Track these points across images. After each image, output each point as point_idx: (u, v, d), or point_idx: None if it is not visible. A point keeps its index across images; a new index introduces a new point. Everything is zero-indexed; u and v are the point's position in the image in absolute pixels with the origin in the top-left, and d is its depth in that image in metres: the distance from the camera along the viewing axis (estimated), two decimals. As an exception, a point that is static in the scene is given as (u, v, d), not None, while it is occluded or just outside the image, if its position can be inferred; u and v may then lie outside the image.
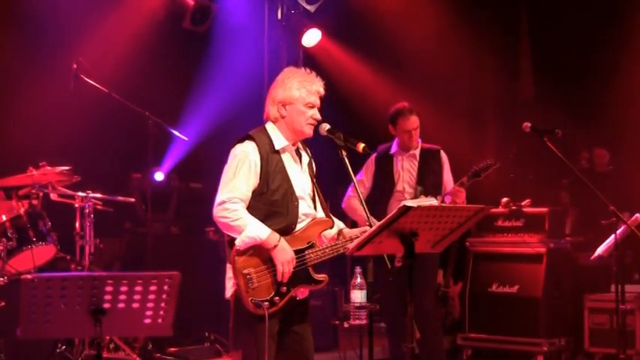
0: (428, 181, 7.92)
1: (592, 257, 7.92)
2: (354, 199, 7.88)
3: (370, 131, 9.21)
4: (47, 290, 4.19)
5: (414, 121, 7.89)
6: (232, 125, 9.64)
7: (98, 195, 8.10)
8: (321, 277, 5.39)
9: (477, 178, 7.71)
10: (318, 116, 5.45)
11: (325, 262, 5.43)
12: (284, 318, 5.36)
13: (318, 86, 5.47)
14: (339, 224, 5.60)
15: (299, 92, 5.42)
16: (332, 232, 5.53)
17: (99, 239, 8.13)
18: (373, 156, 8.04)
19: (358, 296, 5.64)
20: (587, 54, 11.60)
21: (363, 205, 5.50)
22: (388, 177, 7.98)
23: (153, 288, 4.35)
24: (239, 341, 5.37)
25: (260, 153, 5.35)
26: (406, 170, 7.98)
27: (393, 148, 8.04)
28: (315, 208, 5.56)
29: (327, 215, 5.55)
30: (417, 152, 8.01)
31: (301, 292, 5.40)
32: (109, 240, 8.96)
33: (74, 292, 4.25)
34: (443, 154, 8.10)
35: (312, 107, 5.44)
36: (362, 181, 8.03)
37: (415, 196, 7.74)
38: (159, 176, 9.82)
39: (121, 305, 4.33)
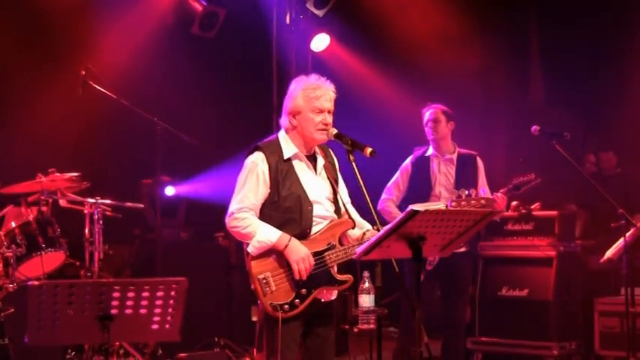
0: (465, 186, 7.91)
1: (601, 260, 7.91)
2: (390, 202, 7.99)
3: (380, 135, 9.20)
4: (54, 297, 4.21)
5: (429, 115, 8.03)
6: (241, 130, 9.66)
7: (107, 201, 8.10)
8: (345, 277, 5.43)
9: (516, 191, 7.73)
10: (328, 120, 5.46)
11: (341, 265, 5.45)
12: (308, 321, 5.42)
13: (324, 90, 5.48)
14: (364, 225, 5.61)
15: (303, 100, 5.46)
16: (357, 234, 5.55)
17: (108, 245, 8.14)
18: (409, 160, 8.17)
19: (366, 301, 5.62)
20: (598, 57, 11.56)
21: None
22: (425, 180, 8.04)
23: (160, 294, 4.36)
24: (263, 343, 5.46)
25: (268, 162, 5.40)
26: (443, 174, 8.03)
27: (430, 152, 8.10)
28: (337, 209, 5.57)
29: (348, 216, 5.56)
30: (455, 157, 8.08)
31: (325, 294, 5.44)
32: (118, 246, 8.98)
33: (82, 299, 4.26)
34: (479, 160, 8.20)
35: (321, 112, 5.45)
36: (397, 184, 8.09)
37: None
38: (170, 191, 9.82)
39: (128, 311, 4.35)
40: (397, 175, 8.16)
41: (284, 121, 5.56)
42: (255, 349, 5.45)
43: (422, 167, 8.08)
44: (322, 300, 5.43)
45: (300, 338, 5.43)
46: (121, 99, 8.48)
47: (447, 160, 8.07)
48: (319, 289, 5.37)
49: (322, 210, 5.48)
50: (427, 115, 8.07)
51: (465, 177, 7.99)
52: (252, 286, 5.31)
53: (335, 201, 5.58)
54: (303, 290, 5.31)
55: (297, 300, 5.29)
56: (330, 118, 5.48)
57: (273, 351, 5.30)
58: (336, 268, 5.42)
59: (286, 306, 5.27)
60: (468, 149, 8.22)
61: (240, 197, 5.38)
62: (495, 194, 7.75)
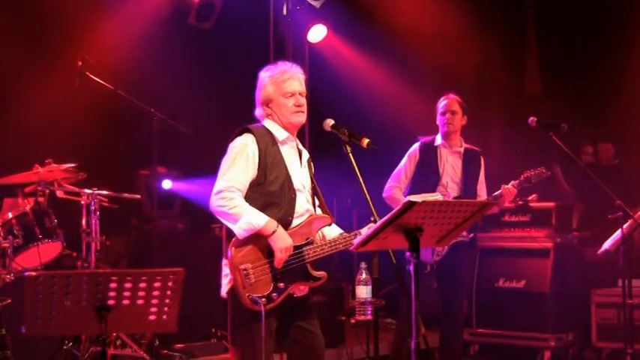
0: (470, 180, 7.93)
1: (599, 252, 7.91)
2: (397, 189, 7.94)
3: (376, 126, 9.20)
4: (51, 287, 4.20)
5: (447, 104, 7.96)
6: (237, 121, 9.64)
7: (104, 192, 8.09)
8: (320, 274, 5.41)
9: (527, 184, 7.73)
10: (301, 102, 5.48)
11: (332, 257, 5.44)
12: (283, 315, 5.37)
13: (292, 74, 5.51)
14: (336, 229, 5.62)
15: (273, 87, 5.49)
16: (332, 233, 5.55)
17: (105, 236, 8.13)
18: (417, 146, 8.09)
19: (363, 292, 5.61)
20: (594, 49, 11.58)
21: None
22: (433, 169, 7.97)
23: (157, 284, 4.35)
24: (237, 339, 5.37)
25: (258, 144, 5.38)
26: (450, 165, 7.97)
27: (438, 141, 8.05)
28: (314, 205, 5.57)
29: (325, 212, 5.56)
30: (462, 150, 8.04)
31: (299, 290, 5.41)
32: (115, 237, 8.97)
33: (78, 289, 4.25)
34: (482, 158, 8.15)
35: (292, 95, 5.46)
36: (405, 170, 8.02)
37: (459, 193, 7.81)
38: (167, 184, 9.80)
39: (125, 302, 4.34)
40: (405, 161, 8.04)
41: (259, 112, 5.57)
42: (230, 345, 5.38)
43: (430, 156, 8.00)
44: (295, 295, 5.39)
45: (275, 332, 5.35)
46: (118, 90, 8.46)
47: (455, 152, 8.02)
48: (295, 284, 5.34)
49: (304, 200, 5.47)
50: (445, 104, 7.96)
51: (470, 171, 7.97)
52: (232, 276, 5.24)
53: (313, 196, 5.58)
54: (281, 284, 5.26)
55: (274, 294, 5.23)
56: (303, 100, 5.50)
57: (250, 347, 5.22)
58: (310, 264, 5.40)
59: (263, 299, 5.18)
60: (472, 145, 8.18)
61: (228, 176, 5.30)
62: (505, 187, 7.73)
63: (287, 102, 5.45)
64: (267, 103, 5.51)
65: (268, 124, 5.52)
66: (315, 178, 5.65)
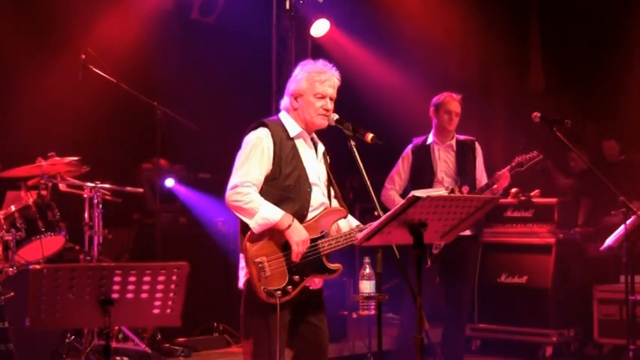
0: (466, 172, 7.93)
1: (601, 248, 7.91)
2: (392, 191, 7.96)
3: (379, 122, 9.18)
4: (56, 281, 4.18)
5: (454, 105, 7.95)
6: (240, 115, 9.64)
7: (107, 185, 8.09)
8: (335, 266, 5.42)
9: (519, 169, 7.71)
10: (329, 107, 5.45)
11: (336, 252, 5.44)
12: (297, 308, 5.37)
13: (329, 76, 5.47)
14: (353, 221, 5.61)
15: (307, 83, 5.44)
16: (345, 227, 5.55)
17: (107, 230, 8.14)
18: (409, 148, 8.13)
19: (367, 287, 5.61)
20: (597, 45, 11.57)
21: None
22: (427, 167, 8.00)
23: (161, 278, 4.34)
24: (250, 331, 5.37)
25: (273, 139, 5.36)
26: (443, 160, 8.00)
27: (430, 139, 8.06)
28: (329, 197, 5.57)
29: (341, 205, 5.56)
30: (454, 143, 8.05)
31: (314, 282, 5.41)
32: (117, 230, 8.97)
33: (83, 283, 4.24)
34: (477, 146, 8.15)
35: (322, 98, 5.43)
36: (398, 172, 8.06)
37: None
38: (169, 182, 9.79)
39: (129, 295, 4.32)
40: (398, 163, 8.11)
41: (285, 101, 5.55)
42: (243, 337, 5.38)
43: (423, 155, 8.02)
44: (310, 288, 5.40)
45: (288, 326, 5.37)
46: (120, 83, 8.46)
47: (447, 146, 8.04)
48: (311, 277, 5.35)
49: (319, 194, 5.46)
50: (451, 104, 7.94)
51: (464, 163, 7.98)
52: (247, 269, 5.25)
53: (328, 188, 5.58)
54: (296, 277, 5.27)
55: (289, 286, 5.24)
56: (330, 105, 5.46)
57: (262, 338, 5.26)
58: (325, 257, 5.41)
59: (279, 292, 5.21)
60: (465, 135, 8.19)
61: (244, 170, 5.30)
62: (499, 172, 7.72)
63: (316, 102, 5.42)
64: (296, 96, 5.47)
65: (285, 117, 5.51)
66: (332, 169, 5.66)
